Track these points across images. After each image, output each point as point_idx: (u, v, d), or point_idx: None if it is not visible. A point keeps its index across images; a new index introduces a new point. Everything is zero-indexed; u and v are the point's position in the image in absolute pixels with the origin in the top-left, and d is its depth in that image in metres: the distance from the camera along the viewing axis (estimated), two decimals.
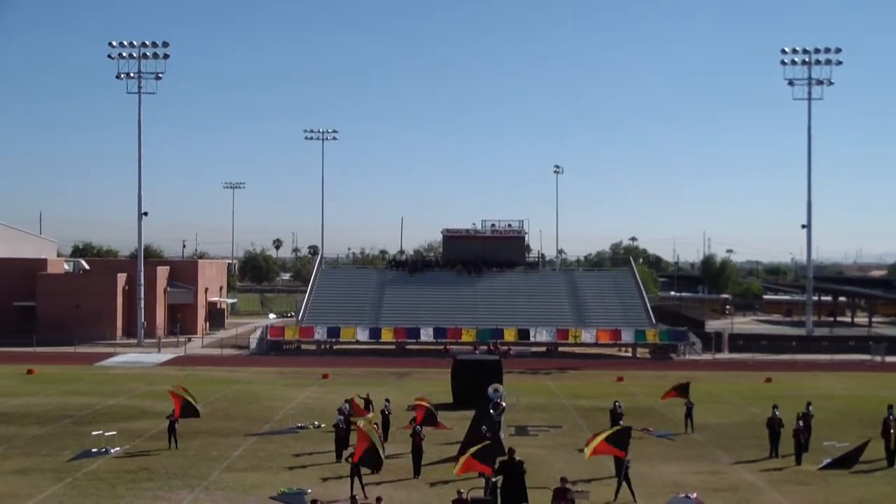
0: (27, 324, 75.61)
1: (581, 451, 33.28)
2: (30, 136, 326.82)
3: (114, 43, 77.35)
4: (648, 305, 78.87)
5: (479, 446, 25.91)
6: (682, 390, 39.30)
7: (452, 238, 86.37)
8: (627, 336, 71.49)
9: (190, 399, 34.84)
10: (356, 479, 25.90)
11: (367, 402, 38.25)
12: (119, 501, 25.67)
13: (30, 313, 77.36)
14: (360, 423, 29.66)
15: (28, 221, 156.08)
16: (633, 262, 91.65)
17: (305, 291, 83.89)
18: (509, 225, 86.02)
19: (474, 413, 33.10)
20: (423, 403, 35.56)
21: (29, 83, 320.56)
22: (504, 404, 36.43)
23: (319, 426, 37.33)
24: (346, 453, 28.54)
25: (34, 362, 59.95)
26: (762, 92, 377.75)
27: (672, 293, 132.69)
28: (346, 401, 36.40)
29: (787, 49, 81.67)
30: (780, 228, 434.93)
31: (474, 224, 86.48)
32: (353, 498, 22.72)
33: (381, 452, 27.15)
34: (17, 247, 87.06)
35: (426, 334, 71.72)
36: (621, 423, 31.72)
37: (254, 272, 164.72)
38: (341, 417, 32.51)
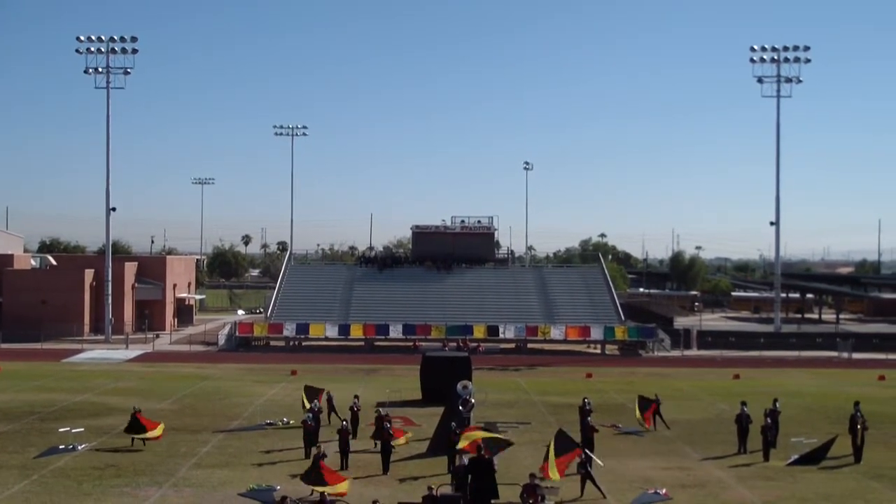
0: None
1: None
2: None
3: (82, 37, 76.56)
4: (617, 302, 79.14)
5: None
6: (648, 404, 38.12)
7: (422, 234, 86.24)
8: (596, 333, 71.70)
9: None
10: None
11: (330, 399, 37.79)
12: (86, 499, 25.43)
13: None
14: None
15: None
16: (602, 259, 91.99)
17: (274, 288, 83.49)
18: (479, 221, 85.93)
19: (443, 410, 33.10)
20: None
21: None
22: (473, 401, 36.35)
23: (288, 423, 37.17)
24: (314, 450, 28.29)
25: (0, 358, 59.33)
26: (731, 89, 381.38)
27: (641, 290, 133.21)
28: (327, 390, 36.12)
29: (755, 47, 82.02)
30: (749, 226, 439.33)
31: (444, 220, 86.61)
32: (322, 495, 22.65)
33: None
34: None
35: (395, 331, 71.44)
36: (590, 419, 31.78)
37: (222, 268, 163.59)
38: (310, 415, 32.40)
